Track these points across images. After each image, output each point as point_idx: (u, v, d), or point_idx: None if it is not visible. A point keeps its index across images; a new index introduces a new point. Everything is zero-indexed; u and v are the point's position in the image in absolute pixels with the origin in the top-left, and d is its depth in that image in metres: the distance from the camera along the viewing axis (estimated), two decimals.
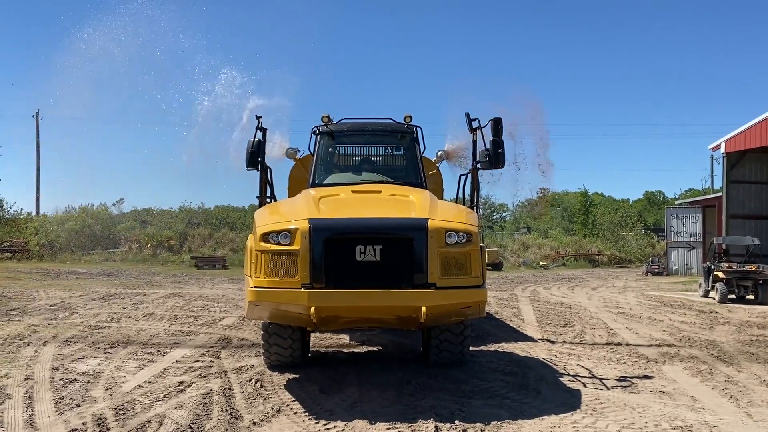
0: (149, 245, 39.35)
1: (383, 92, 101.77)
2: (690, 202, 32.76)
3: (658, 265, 30.77)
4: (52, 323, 11.34)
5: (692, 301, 16.58)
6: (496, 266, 34.45)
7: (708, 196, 31.59)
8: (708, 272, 17.14)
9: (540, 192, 63.68)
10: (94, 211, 43.87)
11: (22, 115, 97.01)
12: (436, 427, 5.14)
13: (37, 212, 47.77)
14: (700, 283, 18.00)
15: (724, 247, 17.87)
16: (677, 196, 56.25)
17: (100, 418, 5.46)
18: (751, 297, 16.16)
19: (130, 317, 12.31)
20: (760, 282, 15.88)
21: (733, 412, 5.78)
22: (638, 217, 54.82)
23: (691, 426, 5.28)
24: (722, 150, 20.17)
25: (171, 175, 68.65)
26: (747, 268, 16.11)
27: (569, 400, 6.07)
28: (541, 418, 5.47)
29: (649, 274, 29.83)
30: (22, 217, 43.84)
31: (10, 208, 44.32)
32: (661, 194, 66.70)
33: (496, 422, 5.32)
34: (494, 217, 62.86)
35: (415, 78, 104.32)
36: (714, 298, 16.39)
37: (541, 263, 38.58)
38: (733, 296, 16.28)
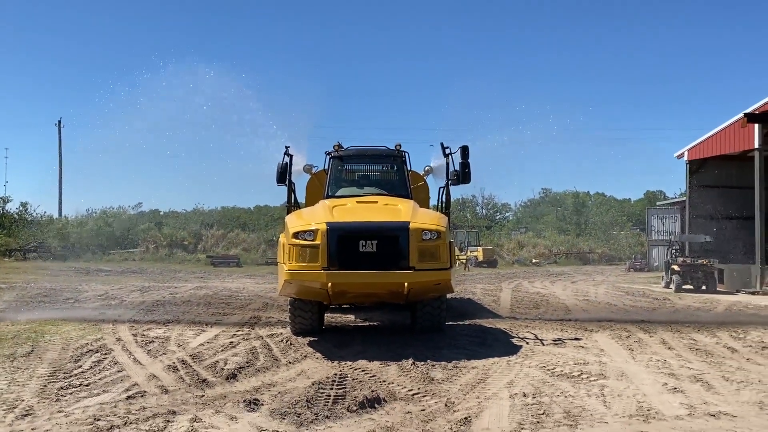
0: (165, 245, 41.90)
1: (385, 105, 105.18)
2: (669, 204, 35.13)
3: (641, 262, 33.19)
4: (110, 307, 13.85)
5: (653, 291, 18.99)
6: (491, 263, 36.76)
7: (684, 198, 33.90)
8: (668, 266, 19.58)
9: (542, 192, 65.82)
10: (114, 213, 46.58)
11: (45, 123, 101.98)
12: (413, 362, 7.57)
13: (60, 215, 50.45)
14: (662, 276, 20.43)
15: (685, 244, 20.31)
16: (677, 196, 58.31)
17: (182, 361, 7.92)
18: (704, 287, 18.59)
19: (171, 304, 14.80)
20: (710, 274, 18.32)
21: (624, 357, 8.20)
22: (637, 216, 56.86)
23: (587, 363, 7.72)
24: (686, 158, 22.59)
25: (185, 178, 71.57)
26: (699, 262, 18.55)
27: (511, 350, 8.52)
28: (486, 359, 7.92)
29: (631, 270, 32.23)
30: (45, 219, 46.58)
31: (34, 211, 47.14)
32: (662, 194, 68.39)
33: (455, 361, 7.76)
34: (497, 218, 64.97)
35: (413, 87, 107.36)
36: (672, 289, 18.82)
37: (533, 261, 40.96)
38: (689, 286, 18.71)
